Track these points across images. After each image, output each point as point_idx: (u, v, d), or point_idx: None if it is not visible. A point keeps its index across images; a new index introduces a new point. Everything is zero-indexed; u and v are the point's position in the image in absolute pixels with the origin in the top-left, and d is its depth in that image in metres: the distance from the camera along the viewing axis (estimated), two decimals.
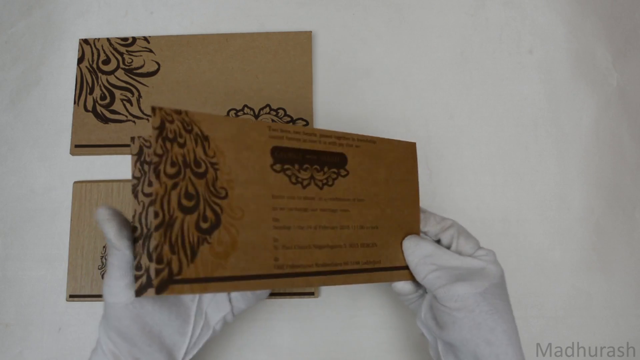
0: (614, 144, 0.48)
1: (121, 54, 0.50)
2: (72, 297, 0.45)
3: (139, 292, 0.29)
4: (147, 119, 0.48)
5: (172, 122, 0.28)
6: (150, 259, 0.30)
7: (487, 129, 0.49)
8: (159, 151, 0.27)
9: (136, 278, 0.30)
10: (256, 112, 0.48)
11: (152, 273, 0.29)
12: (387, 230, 0.36)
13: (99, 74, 0.49)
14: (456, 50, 0.50)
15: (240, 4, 0.51)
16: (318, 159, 0.33)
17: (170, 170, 0.27)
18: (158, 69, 0.49)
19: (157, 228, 0.26)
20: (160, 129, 0.27)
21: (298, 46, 0.49)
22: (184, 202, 0.28)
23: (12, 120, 0.49)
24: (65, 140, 0.49)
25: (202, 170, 0.29)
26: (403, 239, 0.37)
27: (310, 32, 0.50)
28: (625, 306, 0.45)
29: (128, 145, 0.48)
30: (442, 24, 0.51)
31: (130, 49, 0.50)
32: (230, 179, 0.29)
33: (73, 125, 0.48)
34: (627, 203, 0.47)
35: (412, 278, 0.37)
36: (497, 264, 0.35)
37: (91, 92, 0.49)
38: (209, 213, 0.28)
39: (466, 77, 0.50)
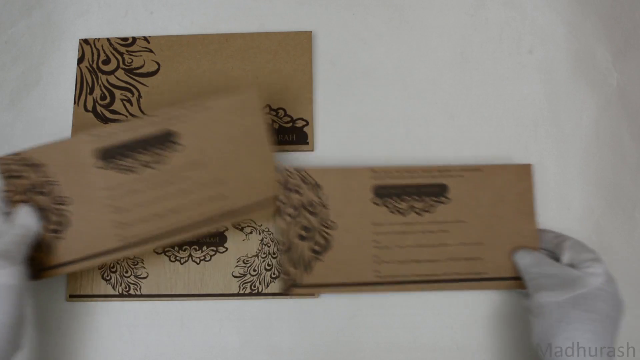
0: (614, 144, 0.48)
1: (121, 54, 0.50)
2: (72, 297, 0.45)
3: (286, 290, 0.42)
4: None
5: (293, 177, 0.42)
6: (294, 267, 0.41)
7: (487, 129, 0.49)
8: (283, 199, 0.42)
9: (285, 281, 0.42)
10: None
11: (282, 280, 0.42)
12: (495, 246, 0.42)
13: (99, 74, 0.49)
14: (456, 50, 0.50)
15: (240, 4, 0.51)
16: (418, 190, 0.42)
17: (291, 212, 0.42)
18: (158, 69, 0.49)
19: (283, 252, 0.42)
20: (284, 183, 0.42)
21: (298, 46, 0.49)
22: (302, 233, 0.42)
23: (12, 120, 0.49)
24: None
25: (315, 210, 0.42)
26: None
27: (310, 32, 0.50)
28: (625, 306, 0.45)
29: None
30: (442, 24, 0.51)
31: (130, 49, 0.50)
32: (338, 214, 0.42)
33: (73, 125, 0.48)
34: (627, 203, 0.47)
35: (523, 287, 0.40)
36: (598, 276, 0.35)
37: (91, 92, 0.49)
38: (320, 240, 0.42)
39: (466, 77, 0.50)
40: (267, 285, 0.45)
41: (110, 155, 0.39)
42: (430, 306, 0.45)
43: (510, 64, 0.50)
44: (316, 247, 0.41)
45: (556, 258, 0.40)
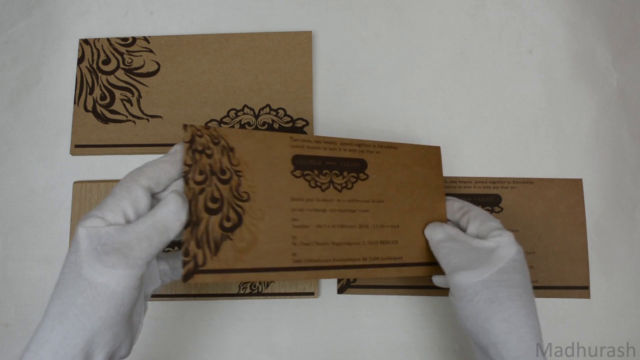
0: (614, 144, 0.48)
1: (121, 54, 0.50)
2: None
3: (186, 278, 0.30)
4: (147, 119, 0.48)
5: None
6: (197, 245, 0.31)
7: (487, 129, 0.49)
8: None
9: (184, 263, 0.30)
10: (256, 112, 0.48)
11: (184, 264, 0.31)
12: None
13: (99, 74, 0.49)
14: (456, 50, 0.50)
15: (240, 4, 0.51)
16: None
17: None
18: (158, 69, 0.49)
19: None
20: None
21: (298, 46, 0.49)
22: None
23: (12, 120, 0.49)
24: (65, 140, 0.49)
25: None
26: None
27: (310, 32, 0.50)
28: (625, 306, 0.45)
29: (128, 146, 0.48)
30: (442, 24, 0.51)
31: (130, 49, 0.50)
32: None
33: (73, 125, 0.48)
34: (627, 203, 0.47)
35: (440, 272, 0.37)
36: (510, 246, 0.34)
37: (91, 92, 0.49)
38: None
39: (466, 77, 0.50)
40: (267, 285, 0.45)
41: (308, 166, 0.36)
42: (430, 306, 0.45)
43: (510, 64, 0.50)
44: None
45: (462, 228, 0.38)
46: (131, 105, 0.49)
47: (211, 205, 0.32)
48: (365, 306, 0.45)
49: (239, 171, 0.34)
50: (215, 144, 0.33)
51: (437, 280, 0.39)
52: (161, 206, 0.30)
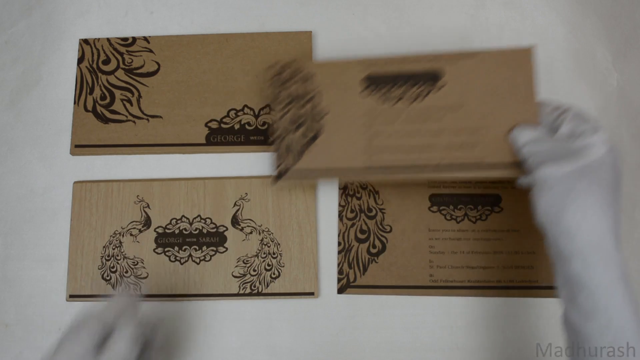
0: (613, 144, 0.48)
1: (121, 54, 0.50)
2: (72, 297, 0.45)
3: (277, 178, 0.42)
4: (147, 119, 0.48)
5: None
6: (282, 154, 0.42)
7: None
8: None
9: (278, 165, 0.42)
10: (256, 112, 0.48)
11: (275, 168, 0.43)
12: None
13: (99, 74, 0.49)
14: None
15: (240, 4, 0.51)
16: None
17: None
18: (158, 69, 0.49)
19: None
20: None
21: (298, 46, 0.49)
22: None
23: (12, 120, 0.49)
24: (65, 140, 0.49)
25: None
26: None
27: (310, 32, 0.50)
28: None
29: (128, 146, 0.48)
30: (442, 24, 0.51)
31: (130, 49, 0.50)
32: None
33: (73, 125, 0.48)
34: (627, 203, 0.47)
35: (523, 172, 0.37)
36: (600, 146, 0.34)
37: (91, 92, 0.49)
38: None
39: None
40: (267, 285, 0.45)
41: (377, 83, 0.41)
42: (430, 306, 0.45)
43: None
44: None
45: (555, 130, 0.38)
46: (131, 105, 0.49)
47: (293, 122, 0.42)
48: (365, 306, 0.45)
49: (317, 94, 0.42)
50: (297, 74, 0.42)
51: (522, 180, 0.38)
52: (117, 342, 0.33)
